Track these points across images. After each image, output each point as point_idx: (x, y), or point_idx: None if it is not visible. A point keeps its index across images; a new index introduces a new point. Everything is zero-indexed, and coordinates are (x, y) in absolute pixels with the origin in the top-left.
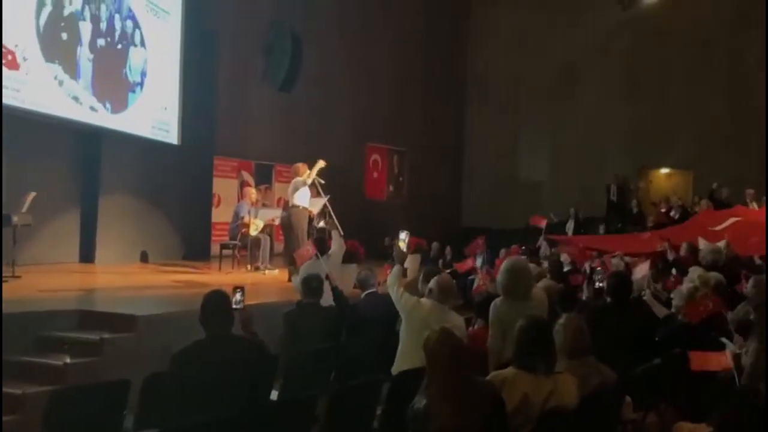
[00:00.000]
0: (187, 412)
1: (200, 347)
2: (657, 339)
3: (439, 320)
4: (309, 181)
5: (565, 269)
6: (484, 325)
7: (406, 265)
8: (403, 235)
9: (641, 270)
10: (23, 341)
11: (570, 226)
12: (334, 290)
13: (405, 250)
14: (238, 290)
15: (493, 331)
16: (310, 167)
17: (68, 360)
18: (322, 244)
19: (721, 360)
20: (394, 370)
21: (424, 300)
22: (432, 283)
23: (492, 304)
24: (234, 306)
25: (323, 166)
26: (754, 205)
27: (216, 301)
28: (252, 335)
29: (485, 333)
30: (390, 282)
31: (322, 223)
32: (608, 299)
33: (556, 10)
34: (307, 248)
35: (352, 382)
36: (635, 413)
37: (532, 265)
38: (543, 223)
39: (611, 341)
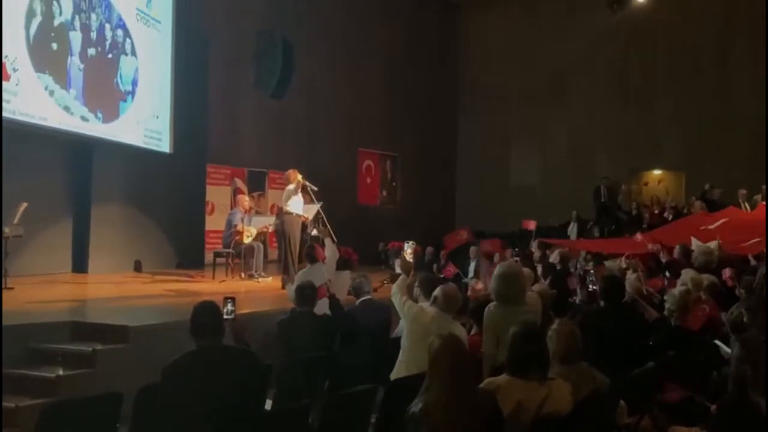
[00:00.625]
0: (180, 424)
1: (191, 359)
2: (651, 343)
3: (441, 329)
4: (297, 190)
5: (558, 268)
6: (479, 331)
7: (399, 270)
8: (408, 246)
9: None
10: (16, 353)
11: (572, 229)
12: (331, 298)
13: (411, 260)
14: (229, 300)
15: (486, 337)
16: (302, 173)
17: (61, 372)
18: (310, 255)
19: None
20: (393, 376)
21: (427, 308)
22: (437, 292)
23: (486, 309)
24: (225, 316)
25: (316, 190)
26: (747, 206)
27: (205, 312)
28: (244, 346)
29: (480, 339)
30: (394, 291)
31: (315, 231)
32: (601, 303)
33: (545, 16)
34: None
35: (346, 390)
36: (629, 417)
37: (528, 270)
38: (532, 227)
39: (605, 345)
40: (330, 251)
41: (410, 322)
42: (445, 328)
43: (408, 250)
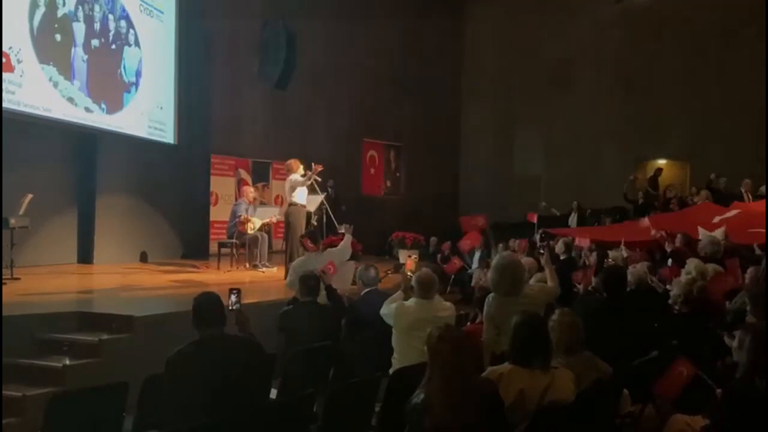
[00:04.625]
0: (185, 413)
1: (194, 349)
2: (655, 327)
3: (428, 316)
4: (308, 182)
5: (561, 258)
6: (482, 320)
7: (402, 260)
8: (408, 263)
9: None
10: (23, 344)
11: (573, 219)
12: (328, 288)
13: (410, 275)
14: (234, 292)
15: (487, 327)
16: (303, 163)
17: (67, 362)
18: (312, 240)
19: (682, 371)
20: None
21: (406, 302)
22: (413, 282)
23: (486, 300)
24: (230, 307)
25: (321, 170)
26: (750, 197)
27: (207, 303)
28: (249, 336)
29: (482, 328)
30: (384, 305)
31: (343, 225)
32: (603, 294)
33: (549, 4)
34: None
35: (350, 380)
36: (632, 406)
37: (530, 260)
38: (534, 219)
39: (607, 335)
40: (346, 242)
41: (395, 321)
42: (430, 314)
43: (408, 265)
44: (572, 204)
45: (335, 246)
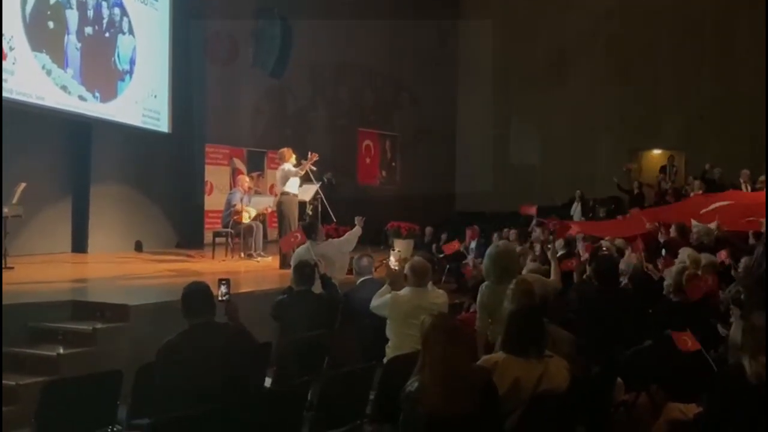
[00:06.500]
0: (179, 402)
1: (184, 338)
2: (650, 312)
3: (423, 303)
4: (302, 173)
5: (559, 253)
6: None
7: (398, 249)
8: (393, 254)
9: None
10: (17, 333)
11: (576, 209)
12: (323, 277)
13: (395, 268)
14: (223, 282)
15: (480, 315)
16: (296, 152)
17: (62, 351)
18: (311, 229)
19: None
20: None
21: (401, 292)
22: (406, 270)
23: (479, 288)
24: (220, 298)
25: (317, 159)
26: (748, 187)
27: (196, 293)
28: (238, 324)
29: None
30: (373, 299)
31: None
32: (596, 283)
33: None
34: (296, 235)
35: (345, 368)
36: (626, 395)
37: (524, 249)
38: (533, 211)
39: (602, 324)
40: (354, 233)
41: (389, 312)
42: (425, 301)
43: (392, 259)
44: (575, 193)
45: (333, 237)
